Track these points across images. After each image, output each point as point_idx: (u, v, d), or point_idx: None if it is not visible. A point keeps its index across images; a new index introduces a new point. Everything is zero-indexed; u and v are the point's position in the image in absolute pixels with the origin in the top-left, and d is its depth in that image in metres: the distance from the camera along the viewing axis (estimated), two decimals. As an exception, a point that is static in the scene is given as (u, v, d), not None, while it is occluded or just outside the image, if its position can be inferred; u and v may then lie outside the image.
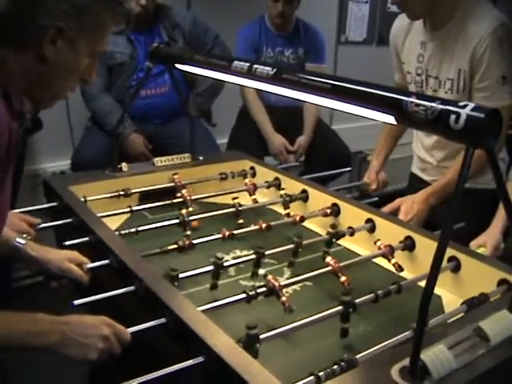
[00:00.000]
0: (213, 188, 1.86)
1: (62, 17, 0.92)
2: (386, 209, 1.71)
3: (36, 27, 0.91)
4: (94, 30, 0.97)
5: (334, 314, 1.11)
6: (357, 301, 1.13)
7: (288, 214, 1.72)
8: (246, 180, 1.87)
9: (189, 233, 1.53)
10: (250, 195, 1.82)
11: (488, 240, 1.49)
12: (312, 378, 0.90)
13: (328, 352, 1.11)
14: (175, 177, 1.83)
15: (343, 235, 1.50)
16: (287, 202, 1.74)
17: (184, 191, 1.73)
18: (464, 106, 0.86)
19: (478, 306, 1.13)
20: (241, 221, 1.67)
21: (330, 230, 1.48)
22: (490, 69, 1.70)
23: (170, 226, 1.53)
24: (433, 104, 0.90)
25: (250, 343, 0.97)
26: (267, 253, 1.37)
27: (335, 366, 0.92)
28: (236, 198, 1.71)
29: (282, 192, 1.78)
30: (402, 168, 2.45)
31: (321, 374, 0.90)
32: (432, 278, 0.83)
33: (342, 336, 1.14)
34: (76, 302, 1.10)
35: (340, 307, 1.11)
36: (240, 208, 1.66)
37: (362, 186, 1.97)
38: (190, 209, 1.67)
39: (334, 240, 1.48)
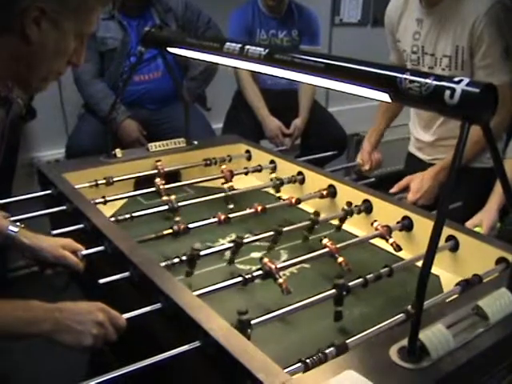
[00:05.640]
0: (208, 172, 1.84)
1: None
2: (395, 188, 1.70)
3: (17, 8, 0.88)
4: (78, 9, 0.95)
5: (328, 297, 1.10)
6: (351, 283, 1.12)
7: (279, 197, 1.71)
8: (223, 167, 1.80)
9: (178, 219, 1.50)
10: (227, 182, 1.75)
11: (484, 219, 1.48)
12: (309, 361, 0.89)
13: (324, 335, 1.10)
14: (158, 164, 1.79)
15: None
16: (278, 185, 1.74)
17: (157, 180, 1.67)
18: (459, 82, 0.84)
19: (472, 287, 1.13)
20: (231, 206, 1.63)
21: (313, 216, 1.47)
22: (492, 46, 1.68)
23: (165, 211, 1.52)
24: (427, 80, 0.88)
25: (241, 328, 0.95)
26: (263, 236, 1.36)
27: (327, 351, 0.91)
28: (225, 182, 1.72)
29: (273, 175, 1.77)
30: (399, 149, 2.44)
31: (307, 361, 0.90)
32: (429, 256, 0.81)
33: (335, 319, 1.12)
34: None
35: (334, 290, 1.10)
36: (232, 192, 1.65)
37: (356, 167, 1.96)
38: (165, 198, 1.58)
39: (315, 226, 1.47)
